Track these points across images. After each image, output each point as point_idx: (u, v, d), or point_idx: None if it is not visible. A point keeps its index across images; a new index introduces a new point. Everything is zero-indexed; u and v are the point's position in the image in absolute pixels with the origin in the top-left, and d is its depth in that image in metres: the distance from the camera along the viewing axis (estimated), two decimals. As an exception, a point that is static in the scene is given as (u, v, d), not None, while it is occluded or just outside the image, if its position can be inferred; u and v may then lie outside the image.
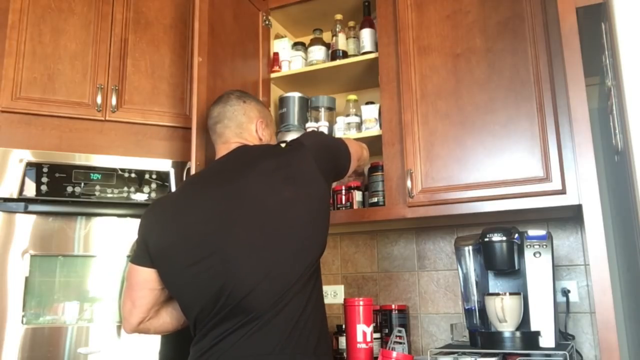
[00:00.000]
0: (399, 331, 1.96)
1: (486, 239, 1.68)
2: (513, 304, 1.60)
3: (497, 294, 1.62)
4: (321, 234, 1.38)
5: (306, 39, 2.37)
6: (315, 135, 1.59)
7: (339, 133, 2.17)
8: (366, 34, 2.17)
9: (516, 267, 1.67)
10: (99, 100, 1.92)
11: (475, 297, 1.75)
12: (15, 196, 1.75)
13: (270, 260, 1.28)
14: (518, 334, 1.58)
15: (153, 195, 1.92)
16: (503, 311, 1.59)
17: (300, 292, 1.29)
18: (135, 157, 1.93)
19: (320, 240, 1.38)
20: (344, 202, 2.17)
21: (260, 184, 1.34)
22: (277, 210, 1.32)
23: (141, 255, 1.39)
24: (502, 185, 1.75)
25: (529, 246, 1.68)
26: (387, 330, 2.05)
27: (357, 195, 2.14)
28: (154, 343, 1.84)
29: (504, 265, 1.66)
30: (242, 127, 1.52)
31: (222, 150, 1.51)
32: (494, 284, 1.76)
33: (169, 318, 1.44)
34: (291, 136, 2.18)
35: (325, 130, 2.18)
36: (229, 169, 1.41)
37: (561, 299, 1.94)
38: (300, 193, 1.35)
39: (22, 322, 1.70)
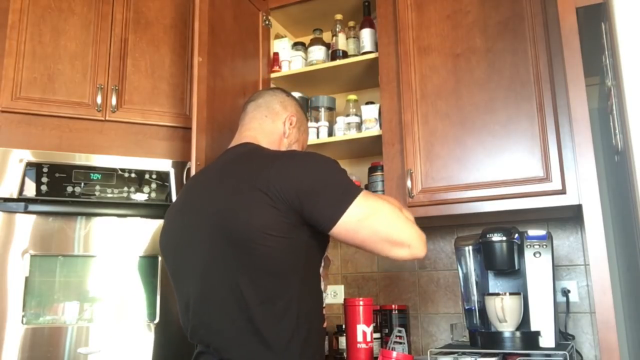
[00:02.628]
0: (399, 331, 1.96)
1: (486, 239, 1.68)
2: (513, 304, 1.60)
3: (497, 294, 1.62)
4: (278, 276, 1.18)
5: (306, 39, 2.37)
6: (306, 166, 1.21)
7: (338, 133, 2.17)
8: (366, 34, 2.17)
9: (516, 267, 1.67)
10: (99, 100, 1.92)
11: (475, 297, 1.74)
12: (15, 196, 1.75)
13: (224, 294, 1.19)
14: (518, 334, 1.58)
15: (153, 195, 1.92)
16: (503, 311, 1.59)
17: (260, 330, 1.15)
18: (135, 157, 1.93)
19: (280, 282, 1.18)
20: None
21: (215, 208, 1.22)
22: (224, 241, 1.19)
23: None
24: (502, 185, 1.75)
25: (529, 246, 1.68)
26: (387, 330, 2.05)
27: (357, 195, 2.13)
28: (153, 342, 1.84)
29: (504, 265, 1.66)
30: (270, 113, 1.44)
31: (234, 139, 1.45)
32: (494, 284, 1.75)
33: None
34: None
35: (325, 131, 2.18)
36: (211, 177, 1.33)
37: (561, 299, 1.94)
38: (242, 224, 1.17)
39: (22, 322, 1.70)
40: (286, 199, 1.15)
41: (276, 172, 1.18)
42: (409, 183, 1.86)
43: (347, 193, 1.17)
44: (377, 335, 1.97)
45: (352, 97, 2.22)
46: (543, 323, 1.61)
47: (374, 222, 1.16)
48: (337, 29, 2.24)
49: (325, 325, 1.34)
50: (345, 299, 1.87)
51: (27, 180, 1.77)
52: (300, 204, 1.15)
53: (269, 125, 1.44)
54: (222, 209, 1.21)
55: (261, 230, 1.15)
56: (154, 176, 1.94)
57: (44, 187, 1.79)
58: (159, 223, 1.92)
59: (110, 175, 1.89)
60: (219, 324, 1.19)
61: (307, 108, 2.26)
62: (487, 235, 1.68)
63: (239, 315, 1.16)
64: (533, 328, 1.61)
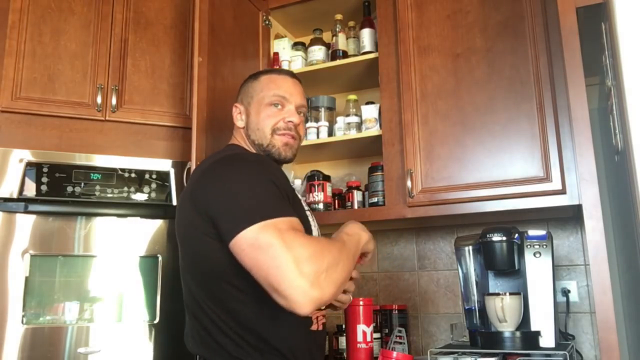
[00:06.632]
0: (399, 331, 1.96)
1: (486, 239, 1.68)
2: (513, 304, 1.60)
3: (497, 294, 1.62)
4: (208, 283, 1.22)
5: (306, 39, 2.37)
6: (221, 177, 1.19)
7: (338, 133, 2.17)
8: (366, 34, 2.17)
9: (516, 267, 1.67)
10: (99, 100, 1.92)
11: (475, 297, 1.74)
12: (15, 196, 1.75)
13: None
14: (518, 334, 1.58)
15: (153, 195, 1.92)
16: (503, 311, 1.59)
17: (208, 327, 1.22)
18: (135, 157, 1.93)
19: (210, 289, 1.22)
20: (344, 202, 2.18)
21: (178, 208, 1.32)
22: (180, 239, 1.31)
23: None
24: (502, 185, 1.75)
25: (529, 246, 1.68)
26: (387, 330, 2.05)
27: (357, 195, 2.14)
28: (153, 342, 1.84)
29: (504, 265, 1.66)
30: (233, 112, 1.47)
31: None
32: (494, 284, 1.75)
33: None
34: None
35: (325, 131, 2.18)
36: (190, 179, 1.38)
37: (561, 299, 1.94)
38: (180, 228, 1.29)
39: (22, 322, 1.70)
40: (203, 207, 1.18)
41: (196, 183, 1.23)
42: (409, 183, 1.86)
43: (246, 215, 1.08)
44: (377, 335, 1.97)
45: (352, 97, 2.22)
46: (543, 323, 1.61)
47: (258, 258, 1.05)
48: (337, 29, 2.24)
49: (315, 327, 1.30)
50: (345, 299, 1.87)
51: (27, 180, 1.77)
52: (210, 212, 1.16)
53: (234, 134, 1.47)
54: (178, 217, 1.30)
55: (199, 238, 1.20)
56: (154, 176, 1.94)
57: (44, 187, 1.78)
58: (159, 223, 1.93)
59: (110, 175, 1.89)
60: (190, 327, 1.29)
61: (307, 108, 2.25)
62: (487, 235, 1.68)
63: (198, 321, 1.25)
64: (533, 328, 1.61)
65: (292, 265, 1.01)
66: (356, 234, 1.26)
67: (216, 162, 1.25)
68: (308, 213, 1.40)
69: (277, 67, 2.26)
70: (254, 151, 1.40)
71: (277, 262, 1.02)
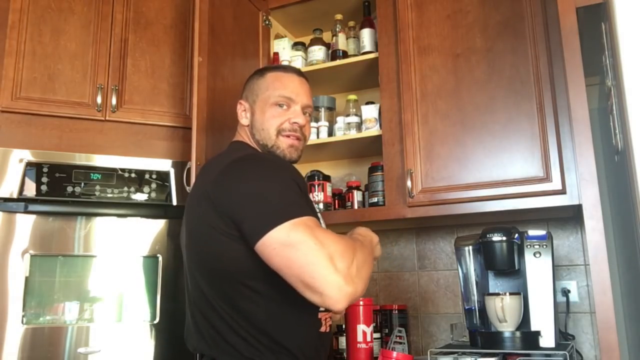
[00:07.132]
0: (399, 331, 1.96)
1: (486, 239, 1.68)
2: (513, 304, 1.61)
3: (497, 294, 1.62)
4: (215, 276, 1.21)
5: (306, 39, 2.37)
6: (242, 177, 1.18)
7: (338, 133, 2.17)
8: (366, 34, 2.17)
9: (516, 267, 1.67)
10: (99, 100, 1.92)
11: (475, 297, 1.74)
12: (15, 196, 1.75)
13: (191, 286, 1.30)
14: (518, 334, 1.58)
15: (153, 195, 1.92)
16: (503, 311, 1.59)
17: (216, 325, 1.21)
18: (135, 157, 1.93)
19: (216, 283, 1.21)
20: (344, 202, 2.18)
21: (189, 212, 1.30)
22: (189, 239, 1.29)
23: None
24: (502, 185, 1.75)
25: (529, 246, 1.68)
26: (387, 330, 2.05)
27: (357, 195, 2.14)
28: (153, 342, 1.84)
29: (504, 265, 1.66)
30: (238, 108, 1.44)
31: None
32: (494, 284, 1.75)
33: None
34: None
35: (325, 131, 2.18)
36: (198, 177, 1.37)
37: (561, 299, 1.94)
38: (191, 232, 1.27)
39: (22, 322, 1.70)
40: (223, 208, 1.15)
41: (214, 183, 1.19)
42: (409, 183, 1.86)
43: (275, 215, 1.08)
44: (377, 335, 1.97)
45: (352, 97, 2.22)
46: (543, 323, 1.61)
47: (290, 255, 1.04)
48: (337, 29, 2.24)
49: (324, 329, 1.30)
50: (345, 299, 1.87)
51: (27, 180, 1.77)
52: (233, 213, 1.14)
53: (239, 130, 1.44)
54: (189, 216, 1.28)
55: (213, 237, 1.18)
56: (154, 176, 1.94)
57: (44, 187, 1.78)
58: (159, 223, 1.93)
59: (110, 175, 1.89)
60: (196, 327, 1.26)
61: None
62: (487, 235, 1.68)
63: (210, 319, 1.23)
64: (533, 328, 1.62)
65: (327, 261, 1.02)
66: (368, 236, 1.30)
67: (234, 162, 1.22)
68: (319, 215, 1.40)
69: (277, 67, 2.26)
70: (260, 150, 1.39)
71: (311, 258, 1.03)
